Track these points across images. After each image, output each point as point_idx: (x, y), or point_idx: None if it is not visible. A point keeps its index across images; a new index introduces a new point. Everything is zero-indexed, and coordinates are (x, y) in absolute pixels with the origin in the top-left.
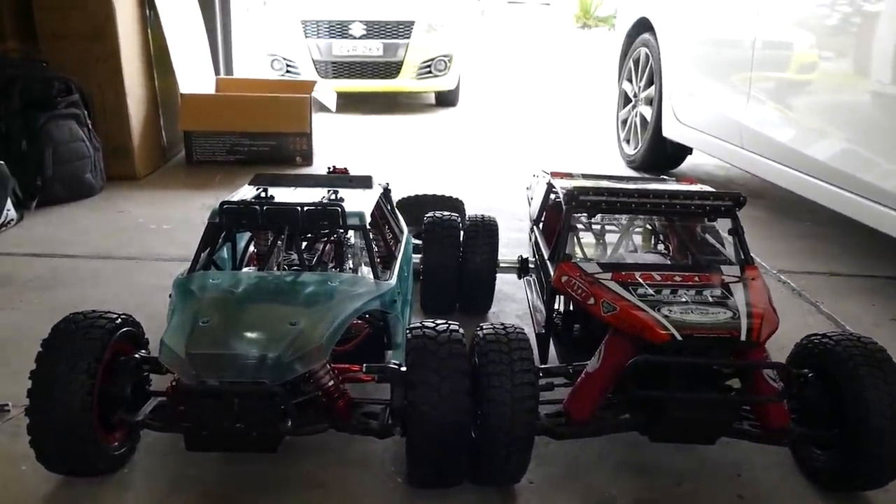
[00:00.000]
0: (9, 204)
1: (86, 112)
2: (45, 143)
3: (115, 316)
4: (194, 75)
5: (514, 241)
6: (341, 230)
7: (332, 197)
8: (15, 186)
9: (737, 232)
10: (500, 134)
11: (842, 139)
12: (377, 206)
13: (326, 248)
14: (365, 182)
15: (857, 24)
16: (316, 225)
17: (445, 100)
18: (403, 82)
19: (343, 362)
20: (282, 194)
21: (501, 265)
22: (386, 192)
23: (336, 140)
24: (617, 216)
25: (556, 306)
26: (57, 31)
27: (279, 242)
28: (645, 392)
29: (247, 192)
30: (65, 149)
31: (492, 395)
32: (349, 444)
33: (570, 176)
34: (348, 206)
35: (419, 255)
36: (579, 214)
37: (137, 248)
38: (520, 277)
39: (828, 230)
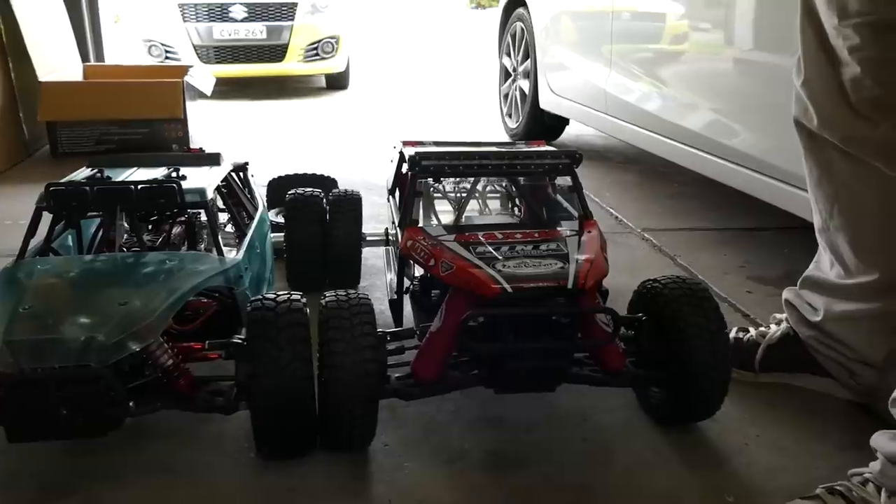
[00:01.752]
0: None
1: None
2: None
3: None
4: (56, 63)
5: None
6: (184, 209)
7: (174, 175)
8: None
9: (575, 188)
10: (390, 114)
11: (694, 102)
12: (227, 183)
13: (176, 229)
14: (213, 160)
15: None
16: (153, 204)
17: (336, 82)
18: (290, 66)
19: (190, 341)
20: (121, 175)
21: (368, 238)
22: (240, 169)
23: (220, 127)
24: (466, 180)
25: (413, 272)
26: None
27: (124, 224)
28: (479, 346)
29: (84, 175)
30: None
31: (332, 360)
32: (203, 423)
33: (420, 144)
34: (188, 184)
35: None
36: (423, 179)
37: None
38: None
39: (691, 190)
